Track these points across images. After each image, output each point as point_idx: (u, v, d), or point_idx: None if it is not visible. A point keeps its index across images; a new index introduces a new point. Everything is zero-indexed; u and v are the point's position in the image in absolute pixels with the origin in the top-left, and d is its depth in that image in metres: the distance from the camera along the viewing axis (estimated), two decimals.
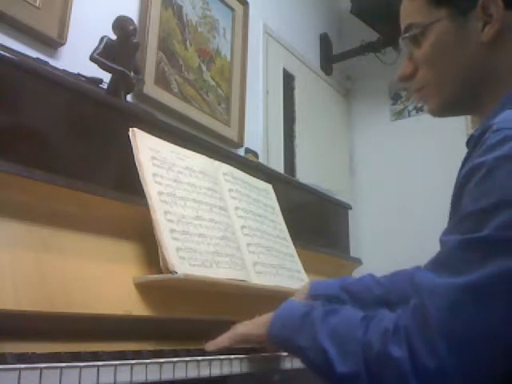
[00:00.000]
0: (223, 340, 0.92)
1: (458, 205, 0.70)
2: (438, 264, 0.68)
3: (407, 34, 0.85)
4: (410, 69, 0.86)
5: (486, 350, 0.62)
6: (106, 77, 1.35)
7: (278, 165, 2.45)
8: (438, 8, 0.81)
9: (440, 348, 0.62)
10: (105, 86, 1.35)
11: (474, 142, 0.71)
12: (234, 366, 0.89)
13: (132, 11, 1.81)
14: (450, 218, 0.74)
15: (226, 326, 0.96)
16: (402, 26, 0.87)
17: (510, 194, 0.63)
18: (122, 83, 1.34)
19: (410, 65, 0.87)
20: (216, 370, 0.85)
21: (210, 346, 0.92)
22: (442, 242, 0.70)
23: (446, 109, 0.86)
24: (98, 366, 0.67)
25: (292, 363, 0.99)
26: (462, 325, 0.62)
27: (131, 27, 1.36)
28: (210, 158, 1.29)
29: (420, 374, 0.63)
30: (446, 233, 0.70)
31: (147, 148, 1.10)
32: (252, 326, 0.92)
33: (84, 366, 0.65)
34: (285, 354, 0.97)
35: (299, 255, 1.44)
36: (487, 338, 0.62)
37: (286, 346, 0.84)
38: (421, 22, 0.83)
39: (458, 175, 0.73)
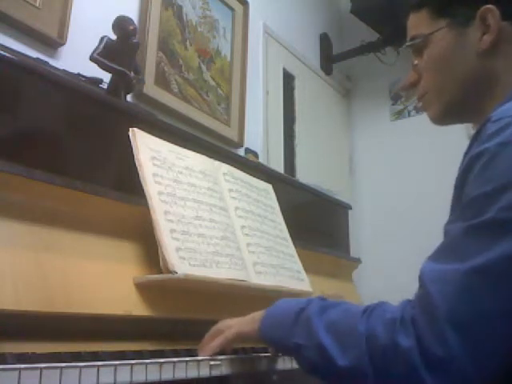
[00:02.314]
0: (215, 346, 0.88)
1: (460, 195, 0.70)
2: (442, 253, 0.67)
3: (410, 43, 0.89)
4: (414, 77, 0.90)
5: (498, 335, 0.61)
6: (106, 77, 1.35)
7: (278, 165, 2.45)
8: (439, 19, 0.85)
9: (449, 336, 0.60)
10: (105, 86, 1.35)
11: (473, 136, 0.72)
12: (234, 366, 0.89)
13: (132, 11, 1.81)
14: (451, 210, 0.75)
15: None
16: (408, 38, 0.91)
17: (511, 177, 0.63)
18: (121, 83, 1.34)
19: (414, 74, 0.91)
20: (216, 370, 0.84)
21: (204, 351, 0.88)
22: (445, 231, 0.70)
23: (445, 116, 0.89)
24: (98, 366, 0.67)
25: (292, 363, 0.99)
26: (471, 310, 0.61)
27: (131, 27, 1.36)
28: (210, 158, 1.29)
29: (430, 363, 0.61)
30: (450, 222, 0.70)
31: (147, 148, 1.10)
32: (241, 325, 0.89)
33: (84, 366, 0.65)
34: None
35: (299, 255, 1.44)
36: (498, 322, 0.61)
37: (279, 343, 0.81)
38: (423, 32, 0.87)
39: (459, 169, 0.73)
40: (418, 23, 0.89)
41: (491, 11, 0.80)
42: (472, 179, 0.68)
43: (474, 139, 0.71)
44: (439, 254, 0.68)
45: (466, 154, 0.73)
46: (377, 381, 0.66)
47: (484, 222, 0.63)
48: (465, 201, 0.68)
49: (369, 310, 0.70)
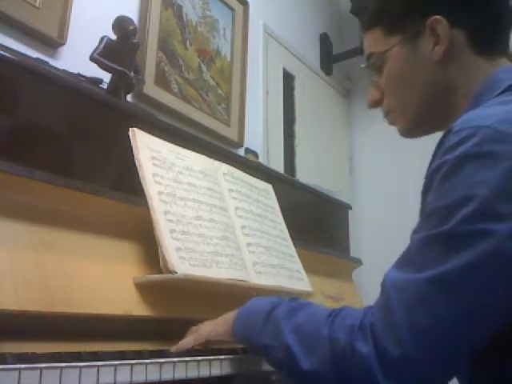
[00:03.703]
0: (187, 342, 0.92)
1: (424, 205, 0.72)
2: (403, 261, 0.70)
3: (367, 64, 0.90)
4: (377, 95, 0.91)
5: (450, 341, 0.64)
6: (106, 77, 1.35)
7: (277, 165, 2.44)
8: (392, 36, 0.85)
9: (405, 340, 0.63)
10: (105, 86, 1.35)
11: (437, 146, 0.73)
12: (234, 366, 0.89)
13: (132, 11, 1.81)
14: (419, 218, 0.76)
15: None
16: (365, 57, 0.91)
17: (471, 190, 0.64)
18: (121, 83, 1.34)
19: (376, 92, 0.91)
20: (216, 370, 0.85)
21: (174, 348, 0.91)
22: (410, 239, 0.71)
23: (413, 130, 0.90)
24: (98, 366, 0.67)
25: None
26: (426, 318, 0.63)
27: (131, 27, 1.36)
28: (210, 158, 1.29)
29: (386, 365, 0.64)
30: (414, 232, 0.71)
31: (147, 148, 1.10)
32: (216, 325, 0.92)
33: (84, 366, 0.65)
34: None
35: (299, 255, 1.44)
36: (450, 328, 0.63)
37: (250, 343, 0.84)
38: (378, 51, 0.87)
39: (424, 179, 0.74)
40: (372, 42, 0.89)
41: (439, 22, 0.80)
42: (432, 191, 0.69)
43: (438, 149, 0.72)
44: (401, 263, 0.70)
45: (430, 163, 0.73)
46: (339, 382, 0.68)
47: (443, 232, 0.65)
48: (426, 211, 0.69)
49: (333, 315, 0.72)
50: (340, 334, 0.69)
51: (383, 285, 0.69)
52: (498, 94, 0.75)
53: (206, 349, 0.92)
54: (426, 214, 0.69)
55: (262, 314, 0.80)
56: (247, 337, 0.84)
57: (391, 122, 0.91)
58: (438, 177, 0.68)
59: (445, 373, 0.66)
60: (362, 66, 0.91)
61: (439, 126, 0.88)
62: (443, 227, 0.65)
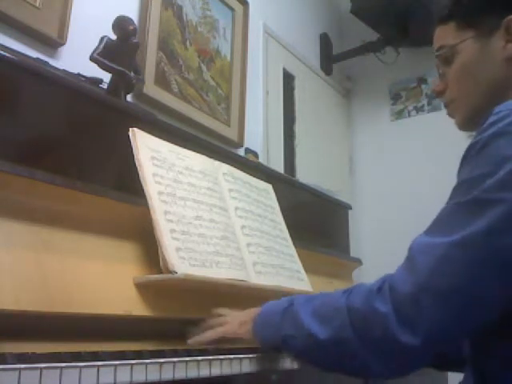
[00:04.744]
0: (208, 337, 0.93)
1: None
2: (431, 227, 0.75)
3: (437, 53, 0.93)
4: (442, 86, 0.94)
5: (468, 303, 0.68)
6: (106, 77, 1.35)
7: (277, 165, 2.44)
8: (465, 30, 0.88)
9: (423, 300, 0.68)
10: (105, 86, 1.35)
11: (478, 128, 0.77)
12: (234, 366, 0.89)
13: (132, 11, 1.81)
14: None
15: None
16: (435, 49, 0.95)
17: (497, 164, 0.69)
18: (121, 83, 1.34)
19: (441, 82, 0.94)
20: (216, 370, 0.84)
21: (192, 341, 0.93)
22: (441, 209, 0.76)
23: (470, 122, 0.92)
24: (98, 366, 0.67)
25: (291, 363, 0.99)
26: (446, 279, 0.68)
27: (131, 27, 1.36)
28: (210, 158, 1.29)
29: (403, 323, 0.68)
30: (447, 202, 0.76)
31: (147, 148, 1.10)
32: (236, 326, 0.93)
33: (84, 366, 0.65)
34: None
35: (299, 255, 1.44)
36: (469, 291, 0.67)
37: (272, 341, 0.85)
38: (450, 43, 0.90)
39: None
40: (444, 34, 0.92)
41: None
42: (466, 164, 0.74)
43: (478, 129, 0.76)
44: (429, 229, 0.75)
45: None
46: (359, 344, 0.72)
47: (467, 201, 0.70)
48: (456, 183, 0.75)
49: (349, 290, 0.78)
50: (357, 301, 0.73)
51: (410, 249, 0.74)
52: None
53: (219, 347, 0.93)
54: (456, 185, 0.74)
55: (279, 312, 0.83)
56: (267, 336, 0.86)
57: (450, 114, 0.94)
58: (471, 153, 0.73)
59: (453, 334, 0.70)
60: (436, 54, 0.94)
61: None
62: (468, 196, 0.70)
